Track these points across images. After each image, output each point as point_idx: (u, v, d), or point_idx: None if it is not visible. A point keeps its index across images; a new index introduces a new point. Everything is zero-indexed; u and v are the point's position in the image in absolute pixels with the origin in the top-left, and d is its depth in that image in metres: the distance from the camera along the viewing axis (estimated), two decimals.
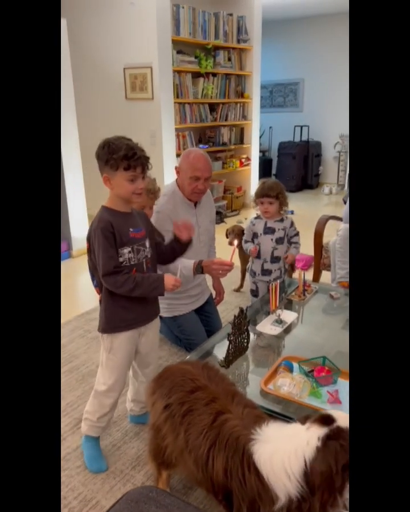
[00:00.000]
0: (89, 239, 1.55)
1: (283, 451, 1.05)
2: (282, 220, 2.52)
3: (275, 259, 2.52)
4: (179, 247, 1.76)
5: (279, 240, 2.49)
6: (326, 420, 1.06)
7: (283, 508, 1.04)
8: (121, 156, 1.45)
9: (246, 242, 2.61)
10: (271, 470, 1.05)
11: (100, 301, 1.65)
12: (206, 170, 2.19)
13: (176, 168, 2.26)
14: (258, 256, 2.53)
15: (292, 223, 2.56)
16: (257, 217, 2.54)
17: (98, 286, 1.63)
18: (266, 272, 2.54)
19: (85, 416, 1.75)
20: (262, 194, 2.43)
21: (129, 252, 1.55)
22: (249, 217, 2.61)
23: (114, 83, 4.59)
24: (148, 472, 1.70)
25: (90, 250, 1.56)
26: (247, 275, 2.79)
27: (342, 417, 1.06)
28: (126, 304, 1.60)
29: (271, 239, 2.48)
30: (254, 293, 2.62)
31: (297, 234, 2.58)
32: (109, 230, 1.49)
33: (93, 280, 1.68)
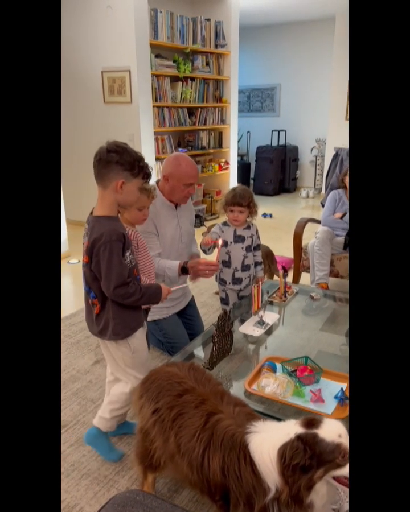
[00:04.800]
0: (92, 252, 1.48)
1: (270, 440, 1.09)
2: (249, 227, 2.48)
3: (245, 267, 2.49)
4: None
5: (248, 248, 2.47)
6: (309, 423, 1.09)
7: (275, 500, 1.05)
8: (144, 165, 1.49)
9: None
10: (261, 458, 1.08)
11: (97, 313, 1.59)
12: (197, 175, 2.25)
13: (164, 176, 2.20)
14: (229, 265, 2.48)
15: (257, 231, 2.54)
16: (225, 224, 2.49)
17: (98, 298, 1.57)
18: (236, 280, 2.50)
19: (117, 413, 1.73)
20: (233, 202, 2.37)
21: (130, 254, 1.56)
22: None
23: (92, 86, 4.57)
24: (132, 476, 1.68)
25: (90, 262, 1.50)
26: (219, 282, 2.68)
27: (328, 427, 1.07)
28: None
29: (242, 248, 2.45)
30: (225, 301, 2.60)
31: (259, 246, 2.56)
32: (122, 241, 1.49)
33: (89, 292, 1.59)
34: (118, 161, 1.45)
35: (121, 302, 1.54)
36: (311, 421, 1.09)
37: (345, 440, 1.04)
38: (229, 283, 2.51)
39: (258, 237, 2.56)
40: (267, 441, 1.09)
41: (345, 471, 1.04)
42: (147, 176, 1.53)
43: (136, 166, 1.47)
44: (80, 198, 4.86)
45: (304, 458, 1.02)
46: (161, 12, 4.48)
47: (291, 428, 1.09)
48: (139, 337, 1.68)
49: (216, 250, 2.44)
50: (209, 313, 3.02)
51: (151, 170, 1.55)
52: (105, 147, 1.48)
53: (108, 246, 1.45)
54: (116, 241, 1.46)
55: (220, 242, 2.23)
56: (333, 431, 1.06)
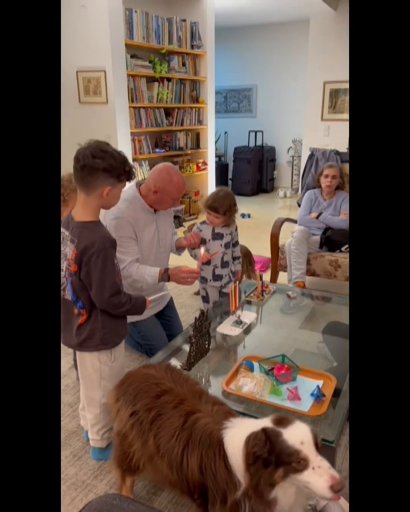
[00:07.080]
0: (81, 260, 1.41)
1: (241, 434, 1.10)
2: (228, 225, 2.51)
3: (225, 264, 2.52)
4: None
5: (227, 245, 2.51)
6: (279, 420, 1.09)
7: (245, 495, 1.06)
8: (129, 168, 1.45)
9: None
10: (232, 451, 1.09)
11: (81, 323, 1.53)
12: (185, 189, 2.25)
13: (154, 190, 2.14)
14: (208, 262, 2.50)
15: (236, 228, 2.58)
16: (203, 223, 2.52)
17: (85, 308, 1.51)
18: (217, 277, 2.53)
19: (105, 430, 1.69)
20: (210, 206, 2.39)
21: (115, 260, 1.52)
22: None
23: (67, 86, 4.50)
24: (110, 480, 1.66)
25: (79, 271, 1.43)
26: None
27: (294, 430, 1.06)
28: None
29: (221, 245, 2.48)
30: (206, 299, 2.61)
31: (237, 243, 2.60)
32: (114, 247, 1.45)
33: (76, 302, 1.52)
34: (105, 168, 1.38)
35: (110, 311, 1.51)
36: (282, 419, 1.10)
37: (306, 448, 1.03)
38: (210, 280, 2.53)
39: (237, 233, 2.60)
40: (239, 435, 1.10)
41: (305, 476, 1.02)
42: (132, 177, 1.50)
43: (122, 171, 1.43)
44: None
45: (263, 450, 1.02)
46: (136, 12, 4.45)
47: (264, 423, 1.10)
48: (121, 344, 1.67)
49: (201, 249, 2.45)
50: (188, 314, 3.02)
51: (134, 170, 1.52)
52: (87, 150, 1.38)
53: (102, 253, 1.40)
54: (110, 248, 1.43)
55: (202, 250, 2.26)
56: (297, 435, 1.05)
